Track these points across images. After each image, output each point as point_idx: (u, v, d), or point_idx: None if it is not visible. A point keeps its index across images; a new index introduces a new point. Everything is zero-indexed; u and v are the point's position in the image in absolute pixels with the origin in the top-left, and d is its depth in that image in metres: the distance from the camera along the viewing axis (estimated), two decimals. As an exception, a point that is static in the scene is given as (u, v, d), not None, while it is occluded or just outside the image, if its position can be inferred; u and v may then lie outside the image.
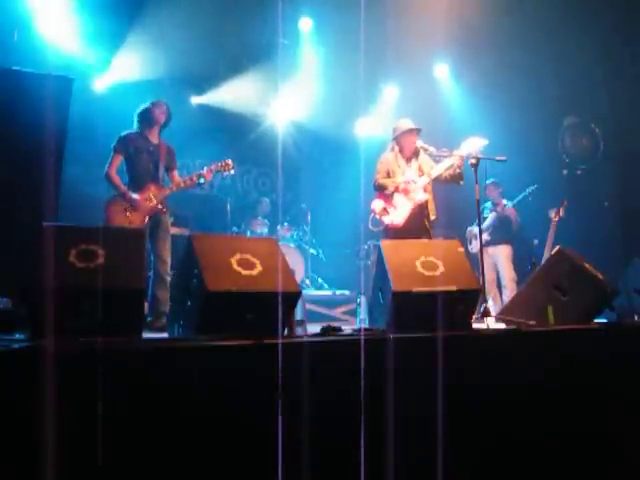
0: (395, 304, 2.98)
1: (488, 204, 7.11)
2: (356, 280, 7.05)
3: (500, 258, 6.87)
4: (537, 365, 3.05)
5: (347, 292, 7.65)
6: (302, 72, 8.52)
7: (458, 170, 4.87)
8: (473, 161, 4.28)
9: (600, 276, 3.71)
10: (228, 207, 7.54)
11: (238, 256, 2.68)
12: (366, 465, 2.37)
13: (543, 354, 3.10)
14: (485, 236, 6.73)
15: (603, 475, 3.12)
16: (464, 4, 7.21)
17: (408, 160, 5.08)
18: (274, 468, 2.18)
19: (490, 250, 6.86)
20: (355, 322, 6.82)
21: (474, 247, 6.83)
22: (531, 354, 3.07)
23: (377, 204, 5.03)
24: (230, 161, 5.19)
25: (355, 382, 2.42)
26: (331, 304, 7.53)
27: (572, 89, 7.85)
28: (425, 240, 4.52)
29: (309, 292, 7.55)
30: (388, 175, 5.05)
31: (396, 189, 4.95)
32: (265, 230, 7.96)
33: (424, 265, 3.12)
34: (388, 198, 5.00)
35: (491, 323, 3.57)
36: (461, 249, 3.32)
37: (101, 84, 7.35)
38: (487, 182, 6.76)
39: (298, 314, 3.66)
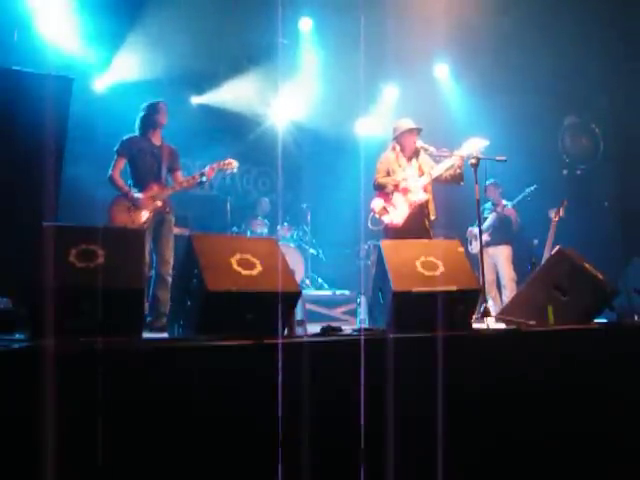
0: (395, 304, 2.98)
1: (488, 204, 7.11)
2: (356, 280, 7.05)
3: (500, 258, 6.87)
4: (537, 365, 3.05)
5: (347, 292, 7.65)
6: (302, 72, 8.52)
7: (458, 170, 4.86)
8: (473, 161, 4.28)
9: (600, 276, 3.72)
10: (228, 207, 7.54)
11: (238, 256, 2.68)
12: (366, 465, 2.37)
13: (543, 354, 3.10)
14: (485, 236, 6.73)
15: (603, 475, 3.12)
16: (464, 4, 7.20)
17: (408, 160, 5.07)
18: (274, 468, 2.18)
19: (490, 250, 6.86)
20: (355, 322, 6.83)
21: (474, 247, 6.83)
22: (531, 354, 3.07)
23: (377, 203, 5.03)
24: (232, 159, 5.22)
25: (355, 382, 2.42)
26: (331, 304, 7.53)
27: (572, 88, 7.85)
28: (425, 240, 4.51)
29: (309, 292, 7.55)
30: (388, 174, 5.04)
31: (396, 187, 4.95)
32: (265, 230, 7.97)
33: (424, 265, 3.12)
34: (388, 197, 4.99)
35: (491, 323, 3.57)
36: (461, 249, 3.32)
37: (101, 84, 7.35)
38: (487, 182, 6.75)
39: (298, 314, 3.66)
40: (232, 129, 8.43)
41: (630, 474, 3.17)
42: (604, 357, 3.30)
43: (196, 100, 8.44)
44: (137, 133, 5.03)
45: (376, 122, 8.90)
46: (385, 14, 7.12)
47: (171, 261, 4.86)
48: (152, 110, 5.00)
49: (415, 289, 3.01)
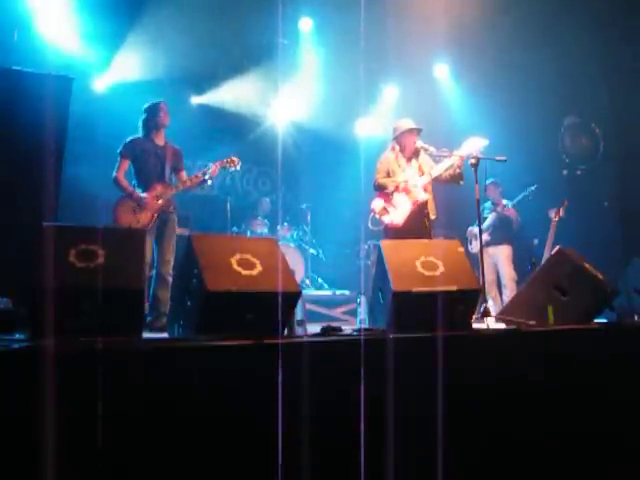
0: (395, 304, 2.98)
1: (488, 204, 7.11)
2: (356, 280, 7.05)
3: (500, 258, 6.87)
4: (537, 365, 3.05)
5: (347, 292, 7.65)
6: (302, 72, 8.52)
7: (458, 170, 4.86)
8: (473, 161, 4.28)
9: (600, 276, 3.71)
10: (228, 207, 7.54)
11: (238, 256, 2.68)
12: (366, 465, 2.37)
13: (543, 354, 3.10)
14: (485, 236, 6.73)
15: (603, 475, 3.12)
16: (464, 4, 7.21)
17: (408, 160, 5.07)
18: (274, 468, 2.18)
19: (490, 250, 6.86)
20: (355, 322, 6.83)
21: (474, 247, 6.83)
22: (531, 354, 3.06)
23: (377, 203, 5.03)
24: (235, 157, 5.24)
25: (355, 382, 2.42)
26: (331, 304, 7.53)
27: (572, 88, 7.85)
28: (425, 240, 4.51)
29: (309, 292, 7.55)
30: (388, 175, 5.04)
31: (396, 188, 4.95)
32: (265, 230, 7.97)
33: (424, 265, 3.12)
34: (388, 198, 4.99)
35: (491, 323, 3.57)
36: (461, 249, 3.32)
37: (101, 84, 7.35)
38: (487, 182, 6.76)
39: (298, 314, 3.66)
40: (232, 129, 8.43)
41: (630, 474, 3.17)
42: (604, 357, 3.29)
43: (196, 100, 8.44)
44: (140, 134, 5.04)
45: (376, 122, 8.90)
46: (385, 14, 7.12)
47: (172, 261, 4.87)
48: (152, 111, 5.02)
49: (415, 289, 3.01)
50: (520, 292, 4.13)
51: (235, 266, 2.64)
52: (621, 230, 7.95)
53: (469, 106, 8.38)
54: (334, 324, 3.02)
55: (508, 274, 6.75)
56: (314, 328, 3.06)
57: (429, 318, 2.86)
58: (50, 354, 1.89)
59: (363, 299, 6.35)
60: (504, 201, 7.08)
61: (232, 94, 8.32)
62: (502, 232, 6.94)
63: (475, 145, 4.56)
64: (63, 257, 2.39)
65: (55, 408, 1.82)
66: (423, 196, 4.91)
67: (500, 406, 2.88)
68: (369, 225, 5.12)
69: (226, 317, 2.52)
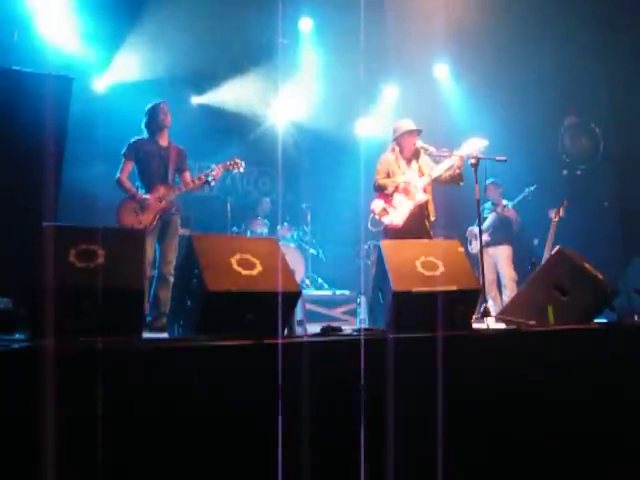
0: (395, 304, 2.98)
1: (488, 204, 7.11)
2: (356, 280, 7.04)
3: (500, 258, 6.87)
4: (537, 365, 3.05)
5: (347, 292, 7.65)
6: (302, 72, 8.52)
7: (458, 171, 4.86)
8: (473, 161, 4.28)
9: (600, 276, 3.71)
10: (228, 207, 7.53)
11: (238, 256, 2.68)
12: (366, 465, 2.37)
13: (543, 354, 3.10)
14: (485, 236, 6.73)
15: (603, 475, 3.12)
16: (464, 4, 7.21)
17: (408, 161, 5.07)
18: (274, 468, 2.18)
19: (490, 250, 6.86)
20: (355, 322, 6.83)
21: (474, 247, 6.83)
22: (531, 354, 3.06)
23: (377, 204, 5.02)
24: (239, 160, 5.26)
25: (355, 382, 2.42)
26: (331, 304, 7.53)
27: (572, 88, 7.85)
28: (425, 240, 4.51)
29: (309, 292, 7.55)
30: (388, 176, 5.04)
31: (396, 189, 4.95)
32: (265, 230, 7.97)
33: (424, 265, 3.12)
34: (388, 198, 4.99)
35: (491, 323, 3.57)
36: (461, 249, 3.32)
37: (101, 84, 7.35)
38: (487, 182, 6.76)
39: (298, 314, 3.66)
40: (232, 129, 8.43)
41: (630, 474, 3.17)
42: (604, 357, 3.29)
43: (196, 100, 8.44)
44: (145, 135, 5.05)
45: (376, 122, 8.90)
46: (385, 14, 7.13)
47: (174, 261, 4.89)
48: (152, 113, 5.03)
49: (415, 289, 3.01)
50: (520, 292, 4.13)
51: (235, 266, 2.64)
52: (621, 230, 7.95)
53: (469, 106, 8.38)
54: (334, 324, 3.02)
55: (508, 274, 6.75)
56: (314, 328, 3.07)
57: (429, 318, 2.86)
58: (50, 354, 1.89)
59: (363, 299, 6.35)
60: (504, 201, 7.08)
61: (232, 94, 8.31)
62: (502, 232, 6.94)
63: (475, 145, 4.55)
64: (63, 257, 2.39)
65: (55, 408, 1.82)
66: (422, 197, 4.90)
67: (500, 406, 2.88)
68: (369, 226, 5.12)
69: (226, 317, 2.52)
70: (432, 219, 5.01)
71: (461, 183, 4.95)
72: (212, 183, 5.11)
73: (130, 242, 2.64)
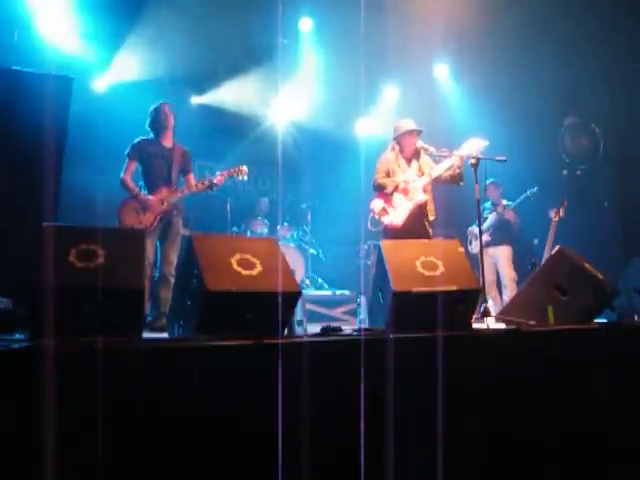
0: (395, 304, 2.98)
1: (488, 204, 7.11)
2: (356, 280, 7.04)
3: (500, 258, 6.87)
4: (537, 365, 3.05)
5: (347, 292, 7.65)
6: (302, 72, 8.52)
7: (458, 170, 4.86)
8: (473, 161, 4.28)
9: (600, 276, 3.71)
10: (228, 207, 7.53)
11: (238, 256, 2.68)
12: (366, 465, 2.37)
13: (543, 354, 3.10)
14: (485, 236, 6.74)
15: (603, 475, 3.12)
16: (464, 4, 7.21)
17: (408, 161, 5.07)
18: (274, 468, 2.18)
19: (490, 250, 6.86)
20: (355, 322, 6.82)
21: (474, 247, 6.83)
22: (531, 354, 3.06)
23: (376, 204, 5.03)
24: (244, 167, 5.28)
25: (355, 382, 2.42)
26: (331, 304, 7.53)
27: (572, 88, 7.85)
28: (425, 240, 4.51)
29: (309, 292, 7.54)
30: (388, 175, 5.04)
31: (395, 188, 4.95)
32: (265, 230, 7.96)
33: (424, 265, 3.12)
34: (388, 198, 4.99)
35: (491, 323, 3.57)
36: (461, 249, 3.32)
37: (101, 84, 7.35)
38: (487, 182, 6.76)
39: (298, 314, 3.66)
40: (232, 129, 8.43)
41: (630, 474, 3.17)
42: (604, 357, 3.29)
43: (196, 100, 8.44)
44: (150, 136, 5.06)
45: (376, 122, 8.90)
46: (385, 14, 7.12)
47: (175, 262, 4.90)
48: (156, 114, 5.04)
49: (415, 289, 3.01)
50: (520, 292, 4.13)
51: (235, 266, 2.64)
52: (621, 230, 7.94)
53: (469, 106, 8.38)
54: (334, 324, 3.02)
55: (508, 274, 6.76)
56: (314, 328, 3.07)
57: (429, 318, 2.86)
58: (50, 354, 1.89)
59: (363, 299, 6.34)
60: (504, 202, 7.08)
61: (232, 94, 8.31)
62: (502, 232, 6.95)
63: (475, 145, 4.55)
64: (63, 257, 2.39)
65: (55, 408, 1.82)
66: (422, 197, 4.90)
67: (500, 406, 2.88)
68: (368, 226, 5.12)
69: (226, 317, 2.52)
70: (431, 219, 5.01)
71: (461, 183, 4.96)
72: (214, 188, 5.12)
73: (130, 242, 2.64)
